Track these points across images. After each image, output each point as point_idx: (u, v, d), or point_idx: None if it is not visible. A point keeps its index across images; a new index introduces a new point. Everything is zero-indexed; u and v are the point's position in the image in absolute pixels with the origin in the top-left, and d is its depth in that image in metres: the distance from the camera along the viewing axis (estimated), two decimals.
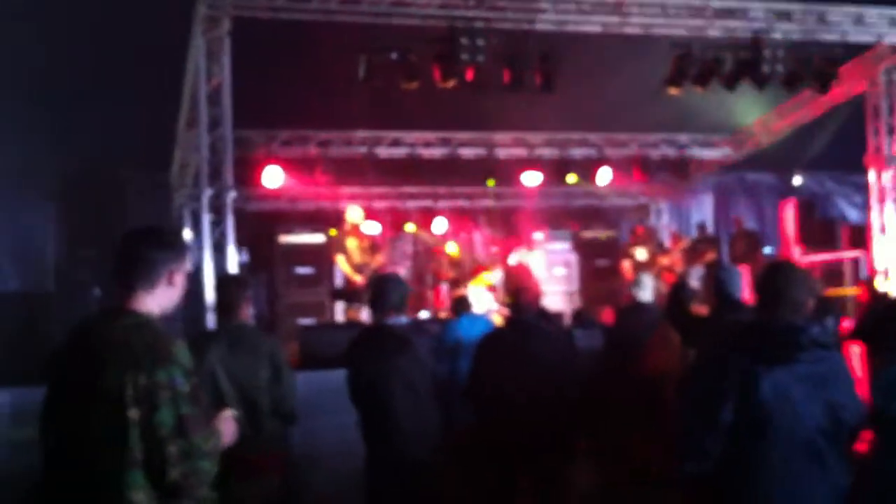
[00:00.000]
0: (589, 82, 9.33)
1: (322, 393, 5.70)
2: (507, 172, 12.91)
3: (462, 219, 14.28)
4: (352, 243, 10.26)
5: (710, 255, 11.82)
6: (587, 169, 12.92)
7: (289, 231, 12.01)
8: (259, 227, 12.42)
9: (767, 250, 12.92)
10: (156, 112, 9.35)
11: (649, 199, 15.22)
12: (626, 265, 11.79)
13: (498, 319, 7.84)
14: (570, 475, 5.06)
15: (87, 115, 8.89)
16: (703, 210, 15.14)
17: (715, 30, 8.50)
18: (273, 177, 11.46)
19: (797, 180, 14.45)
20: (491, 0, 7.93)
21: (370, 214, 12.50)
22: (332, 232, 11.22)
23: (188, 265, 2.72)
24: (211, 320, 6.51)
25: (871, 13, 8.62)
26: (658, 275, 11.24)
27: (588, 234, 13.41)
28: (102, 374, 2.39)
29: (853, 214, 14.36)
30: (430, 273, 12.06)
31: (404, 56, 8.25)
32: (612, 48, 8.64)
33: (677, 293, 5.34)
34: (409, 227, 13.80)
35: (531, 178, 12.80)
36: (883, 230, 9.94)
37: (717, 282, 4.91)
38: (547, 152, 12.78)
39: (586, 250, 12.91)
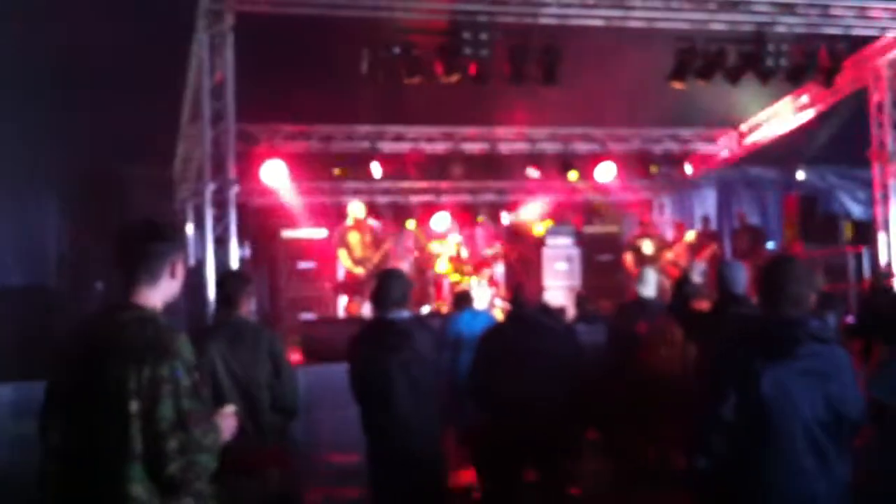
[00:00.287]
0: (591, 77, 9.31)
1: (323, 387, 5.72)
2: (510, 167, 12.89)
3: (465, 214, 14.27)
4: (354, 238, 10.28)
5: (713, 251, 11.82)
6: (589, 164, 12.90)
7: (291, 226, 12.03)
8: (261, 222, 12.45)
9: (770, 245, 12.90)
10: (159, 107, 9.35)
11: (652, 193, 15.20)
12: (628, 258, 11.75)
13: (499, 314, 7.85)
14: (575, 470, 5.08)
15: (90, 110, 8.89)
16: (706, 205, 15.11)
17: (718, 23, 8.47)
18: (274, 173, 11.42)
19: (800, 175, 14.41)
20: None
21: (372, 209, 12.54)
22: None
23: (188, 257, 2.73)
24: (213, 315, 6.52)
25: (876, 6, 8.58)
26: (663, 269, 11.22)
27: (591, 229, 13.40)
28: (105, 367, 2.40)
29: (856, 209, 14.32)
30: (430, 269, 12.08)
31: (407, 50, 8.23)
32: (615, 42, 8.62)
33: (680, 288, 5.34)
34: (410, 224, 13.82)
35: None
36: (886, 225, 9.90)
37: (720, 277, 4.92)
38: (549, 147, 12.76)
39: (589, 245, 12.89)
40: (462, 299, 6.92)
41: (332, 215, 12.74)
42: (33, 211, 11.61)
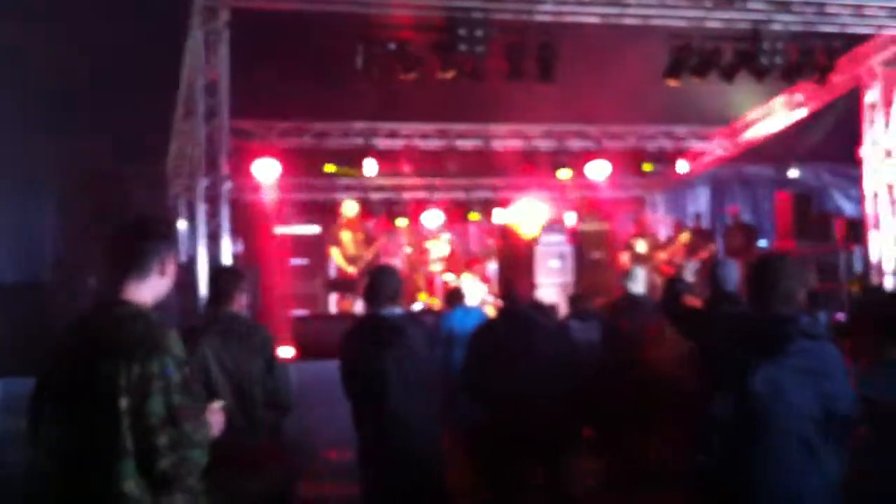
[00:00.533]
0: (586, 74, 9.30)
1: (316, 384, 5.71)
2: (504, 165, 12.89)
3: (457, 211, 14.26)
4: (346, 236, 10.27)
5: (711, 252, 11.83)
6: (583, 161, 12.90)
7: (284, 222, 12.03)
8: (254, 218, 12.42)
9: (763, 243, 12.92)
10: (153, 104, 9.33)
11: (645, 191, 15.20)
12: (624, 257, 11.77)
13: (491, 311, 7.85)
14: (573, 467, 5.07)
15: (85, 107, 8.87)
16: (699, 202, 15.13)
17: (714, 20, 8.46)
18: (267, 169, 11.38)
19: (793, 173, 14.43)
20: None
21: (366, 206, 12.53)
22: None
23: (179, 254, 2.73)
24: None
25: (871, 4, 8.58)
26: (656, 268, 11.25)
27: (583, 226, 13.40)
28: (96, 363, 2.40)
29: (849, 207, 14.35)
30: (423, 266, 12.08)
31: (402, 47, 8.22)
32: (610, 39, 8.61)
33: (672, 286, 5.36)
34: (403, 221, 13.81)
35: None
36: (877, 224, 9.91)
37: (712, 275, 4.93)
38: (544, 144, 12.76)
39: (581, 242, 12.89)
40: (454, 296, 6.93)
41: (326, 212, 12.73)
42: (27, 208, 11.58)
